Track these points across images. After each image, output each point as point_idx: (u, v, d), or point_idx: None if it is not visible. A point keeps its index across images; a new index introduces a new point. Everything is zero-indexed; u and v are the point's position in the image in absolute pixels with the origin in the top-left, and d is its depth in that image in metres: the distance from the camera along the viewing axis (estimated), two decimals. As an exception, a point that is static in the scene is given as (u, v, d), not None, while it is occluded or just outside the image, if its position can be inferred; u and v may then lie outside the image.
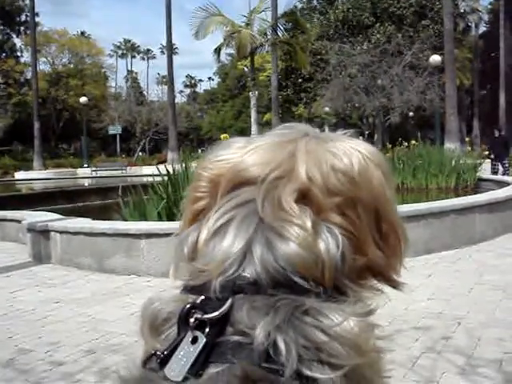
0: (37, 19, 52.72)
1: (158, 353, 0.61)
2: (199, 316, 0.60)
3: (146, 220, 7.56)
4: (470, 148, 26.40)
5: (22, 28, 62.04)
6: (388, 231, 0.68)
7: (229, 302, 0.60)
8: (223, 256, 0.63)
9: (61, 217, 7.95)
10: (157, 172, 8.20)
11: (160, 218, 7.57)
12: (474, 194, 9.81)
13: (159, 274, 6.21)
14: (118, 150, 55.11)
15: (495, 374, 3.37)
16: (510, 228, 8.47)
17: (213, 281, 0.62)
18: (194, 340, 0.59)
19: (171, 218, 7.50)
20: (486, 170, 15.67)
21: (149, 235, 6.51)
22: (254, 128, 24.78)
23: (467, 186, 13.40)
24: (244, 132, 55.56)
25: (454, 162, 13.90)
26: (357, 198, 0.65)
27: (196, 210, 0.73)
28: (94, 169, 34.30)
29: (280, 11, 28.19)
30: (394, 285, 0.70)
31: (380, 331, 0.65)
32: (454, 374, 3.39)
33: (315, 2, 51.86)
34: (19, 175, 32.28)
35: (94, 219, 7.53)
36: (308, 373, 0.57)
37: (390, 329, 4.18)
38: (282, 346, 0.57)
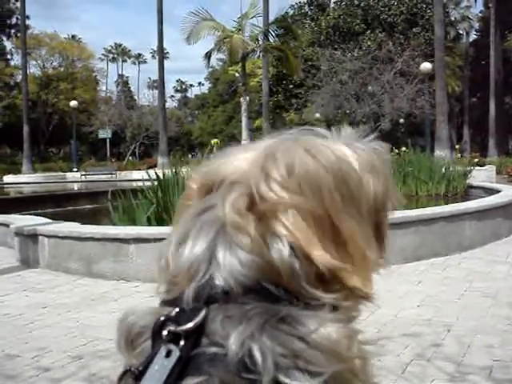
0: (27, 22, 52.55)
1: (133, 369, 0.59)
2: (173, 328, 0.59)
3: (135, 225, 7.53)
4: (459, 155, 26.50)
5: (13, 31, 61.92)
6: (346, 240, 0.63)
7: (203, 312, 0.59)
8: (188, 263, 0.62)
9: (49, 221, 7.90)
10: (147, 177, 8.17)
11: (149, 223, 7.54)
12: (464, 201, 9.84)
13: (148, 279, 6.17)
14: (108, 154, 54.94)
15: (485, 382, 3.36)
16: (499, 235, 8.50)
17: (185, 292, 0.61)
18: (168, 353, 0.58)
19: (161, 222, 7.47)
20: (475, 176, 15.73)
21: (138, 240, 6.47)
22: (244, 133, 24.76)
23: (457, 193, 13.44)
24: (234, 137, 55.61)
25: (443, 169, 13.93)
26: (294, 206, 0.61)
27: None
28: (83, 173, 34.15)
29: (271, 17, 28.29)
30: (362, 295, 0.65)
31: (365, 337, 0.63)
32: (444, 381, 3.39)
33: (307, 9, 52.12)
34: (8, 179, 32.09)
35: (82, 223, 7.49)
36: (287, 381, 0.55)
37: (379, 335, 4.17)
38: (257, 354, 0.55)
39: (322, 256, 0.62)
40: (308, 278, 0.61)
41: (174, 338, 0.58)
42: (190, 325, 0.58)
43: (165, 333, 0.59)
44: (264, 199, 0.61)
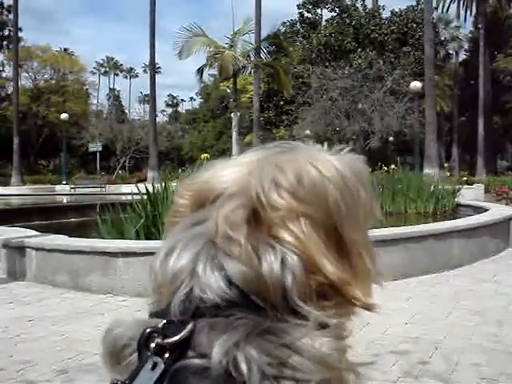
0: (20, 34, 52.57)
1: (119, 382, 0.60)
2: (159, 341, 0.58)
3: (123, 238, 7.50)
4: (448, 173, 26.64)
5: (5, 42, 61.84)
6: (350, 250, 0.63)
7: (190, 325, 0.58)
8: (171, 275, 0.62)
9: (37, 233, 7.84)
10: (136, 190, 8.15)
11: (138, 237, 7.51)
12: (452, 219, 9.87)
13: (135, 294, 6.13)
14: (98, 167, 54.88)
15: (472, 400, 3.36)
16: (487, 253, 8.53)
17: (172, 304, 0.61)
18: (154, 366, 0.58)
19: (149, 236, 7.44)
20: (463, 195, 15.80)
21: (126, 254, 6.44)
22: (234, 149, 24.81)
23: (445, 211, 13.49)
24: (225, 153, 55.66)
25: (432, 188, 13.99)
26: (305, 215, 0.61)
27: None
28: (72, 186, 34.06)
29: (263, 34, 28.50)
30: (364, 306, 0.65)
31: (356, 358, 0.63)
32: (431, 399, 3.38)
33: (298, 26, 52.44)
34: (-3, 190, 31.93)
35: (70, 236, 7.45)
36: None
37: (367, 353, 4.16)
38: (242, 363, 0.55)
39: (330, 270, 0.61)
40: (302, 291, 0.60)
41: (160, 350, 0.58)
42: (176, 338, 0.58)
43: (152, 345, 0.58)
44: (275, 207, 0.61)
